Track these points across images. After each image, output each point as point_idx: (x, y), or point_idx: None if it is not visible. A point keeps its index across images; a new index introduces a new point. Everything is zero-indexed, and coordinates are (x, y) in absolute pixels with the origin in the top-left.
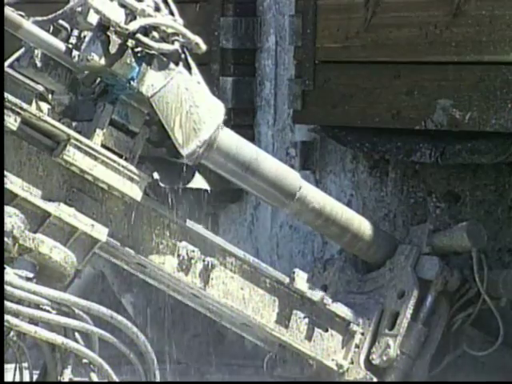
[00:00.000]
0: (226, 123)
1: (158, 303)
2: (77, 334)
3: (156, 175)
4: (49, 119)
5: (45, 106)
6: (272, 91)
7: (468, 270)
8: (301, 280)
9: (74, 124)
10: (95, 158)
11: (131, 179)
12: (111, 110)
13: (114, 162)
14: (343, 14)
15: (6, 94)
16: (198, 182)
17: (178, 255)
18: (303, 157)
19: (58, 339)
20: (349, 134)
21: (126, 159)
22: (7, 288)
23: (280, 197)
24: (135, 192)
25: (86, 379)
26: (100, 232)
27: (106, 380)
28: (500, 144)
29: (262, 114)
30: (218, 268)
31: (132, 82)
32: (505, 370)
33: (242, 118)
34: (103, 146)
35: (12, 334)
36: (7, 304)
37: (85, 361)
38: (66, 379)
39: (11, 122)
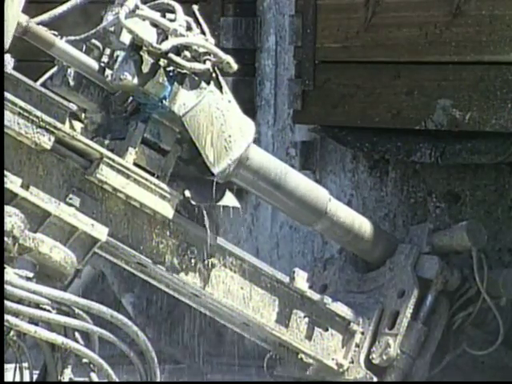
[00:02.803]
0: None
1: (157, 303)
2: (77, 334)
3: (187, 193)
4: (82, 138)
5: (78, 125)
6: (272, 91)
7: (468, 269)
8: (301, 279)
9: (106, 142)
10: (127, 177)
11: (163, 197)
12: (143, 128)
13: (146, 180)
14: (343, 14)
15: (41, 114)
16: (229, 199)
17: (178, 255)
18: (303, 157)
19: (58, 339)
20: (349, 133)
21: (157, 177)
22: (7, 287)
23: (309, 214)
24: (167, 210)
25: (86, 379)
26: (100, 231)
27: (105, 380)
28: (500, 144)
29: (262, 114)
30: (218, 267)
31: (164, 101)
32: (504, 370)
33: None
34: (135, 164)
35: (12, 333)
36: (7, 304)
37: (85, 360)
38: (66, 379)
39: (45, 140)
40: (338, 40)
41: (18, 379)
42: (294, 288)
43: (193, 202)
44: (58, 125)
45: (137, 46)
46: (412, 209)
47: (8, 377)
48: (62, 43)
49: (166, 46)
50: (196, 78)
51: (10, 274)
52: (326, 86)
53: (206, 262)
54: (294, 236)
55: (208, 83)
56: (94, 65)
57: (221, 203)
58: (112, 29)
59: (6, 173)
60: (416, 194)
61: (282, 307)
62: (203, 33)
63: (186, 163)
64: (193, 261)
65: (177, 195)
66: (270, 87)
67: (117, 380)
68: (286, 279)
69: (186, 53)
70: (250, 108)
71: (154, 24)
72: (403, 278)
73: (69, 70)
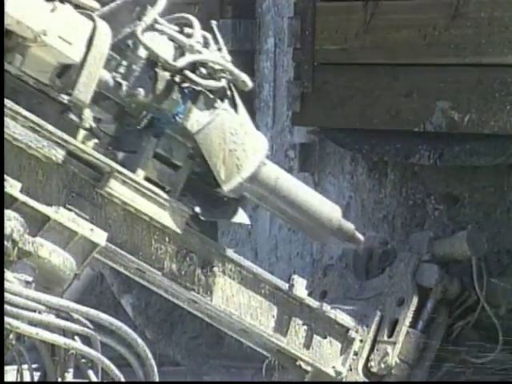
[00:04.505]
0: None
1: (157, 304)
2: (77, 338)
3: (197, 209)
4: (93, 152)
5: (91, 138)
6: (271, 93)
7: (468, 277)
8: (300, 286)
9: (119, 154)
10: (138, 191)
11: (173, 212)
12: (155, 143)
13: (156, 194)
14: (342, 16)
15: (52, 128)
16: (240, 216)
17: (177, 261)
18: (302, 159)
19: (60, 340)
20: (348, 135)
21: (168, 192)
22: (5, 294)
23: (321, 230)
24: (176, 225)
25: (86, 380)
26: (99, 236)
27: (105, 380)
28: (499, 146)
29: (261, 116)
30: (217, 274)
31: (177, 118)
32: (504, 379)
33: None
34: (146, 178)
35: (11, 336)
36: (7, 307)
37: (83, 360)
38: None
39: (56, 155)
40: (337, 42)
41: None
42: (293, 295)
43: (202, 218)
44: (69, 139)
45: (152, 61)
46: (411, 211)
47: (7, 379)
48: None
49: (181, 63)
50: (211, 96)
51: (8, 279)
52: (324, 87)
53: (204, 268)
54: (292, 238)
55: (222, 101)
56: (110, 80)
57: (232, 220)
58: (129, 42)
59: (5, 177)
60: (415, 196)
61: (281, 314)
62: (220, 49)
63: (198, 176)
64: (191, 267)
65: (187, 210)
66: (268, 89)
67: (123, 379)
68: (285, 286)
69: (202, 69)
70: (248, 110)
71: (172, 38)
72: (402, 286)
73: None
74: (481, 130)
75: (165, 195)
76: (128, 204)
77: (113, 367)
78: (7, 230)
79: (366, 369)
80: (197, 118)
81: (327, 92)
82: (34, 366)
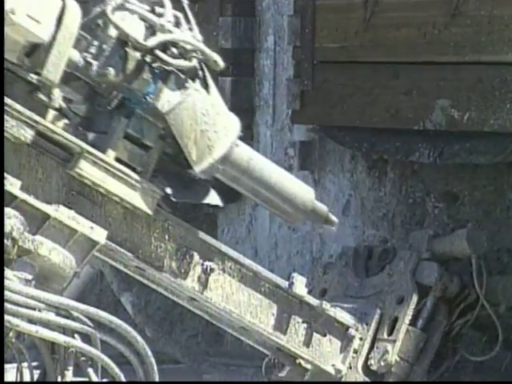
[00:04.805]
0: None
1: (156, 302)
2: (76, 336)
3: (169, 190)
4: (62, 132)
5: (61, 118)
6: (271, 91)
7: (467, 276)
8: (300, 284)
9: (89, 135)
10: (108, 172)
11: (143, 193)
12: (126, 123)
13: (127, 175)
14: (342, 14)
15: (21, 108)
16: (213, 198)
17: (177, 259)
18: (302, 157)
19: (60, 338)
20: (347, 134)
21: (139, 173)
22: (5, 292)
23: (295, 212)
24: (147, 206)
25: (86, 379)
26: (99, 234)
27: (105, 379)
28: (499, 144)
29: (261, 114)
30: (217, 272)
31: (148, 98)
32: (503, 377)
33: (240, 118)
34: (117, 159)
35: (11, 334)
36: (7, 305)
37: (83, 359)
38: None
39: (25, 134)
40: (337, 40)
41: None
42: (293, 293)
43: (174, 199)
44: (39, 119)
45: (123, 41)
46: (410, 209)
47: (7, 377)
48: None
49: (151, 42)
50: (182, 76)
51: (8, 277)
52: (324, 86)
53: (204, 266)
54: (292, 236)
55: (194, 81)
56: (79, 59)
57: (204, 201)
58: (99, 21)
59: (5, 175)
60: (414, 194)
61: (281, 312)
62: (191, 29)
63: (170, 158)
64: (191, 265)
65: (158, 191)
66: (268, 87)
67: (123, 378)
68: (285, 284)
69: (173, 49)
70: (248, 108)
71: (143, 18)
72: (402, 284)
73: None
74: (481, 128)
75: (135, 176)
76: (98, 185)
77: (113, 365)
78: (7, 228)
79: (366, 367)
80: (168, 98)
81: (327, 90)
82: (33, 364)
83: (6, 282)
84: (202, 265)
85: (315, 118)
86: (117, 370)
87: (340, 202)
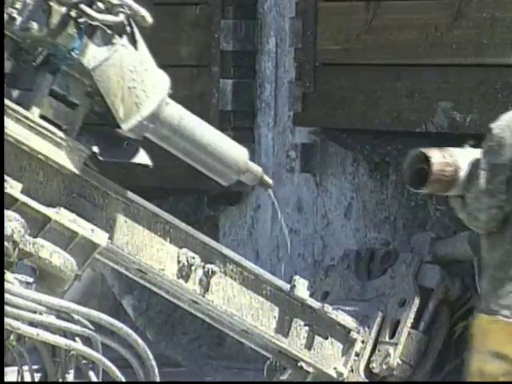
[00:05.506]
0: (226, 125)
1: (158, 305)
2: (77, 339)
3: (95, 148)
4: None
5: None
6: (272, 93)
7: (469, 278)
8: (301, 287)
9: (14, 92)
10: (32, 129)
11: (69, 151)
12: (51, 80)
13: (52, 133)
14: (344, 16)
15: None
16: (141, 157)
17: (178, 261)
18: (304, 159)
19: (61, 341)
20: (349, 136)
21: (65, 131)
22: (6, 295)
23: (228, 172)
24: (73, 164)
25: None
26: (100, 237)
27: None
28: None
29: (263, 117)
30: (218, 275)
31: (73, 53)
32: None
33: (242, 121)
34: (42, 116)
35: (11, 337)
36: (8, 308)
37: (84, 362)
38: None
39: None
40: (339, 42)
41: None
42: (295, 296)
43: (101, 158)
44: None
45: None
46: (412, 211)
47: (8, 380)
48: None
49: None
50: (108, 31)
51: (9, 281)
52: (326, 88)
53: (205, 269)
54: (294, 239)
55: (121, 37)
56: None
57: (133, 161)
58: None
59: (6, 178)
60: (416, 197)
61: (282, 315)
62: None
63: (98, 116)
64: (193, 268)
65: (85, 150)
66: (270, 90)
67: (123, 379)
68: (287, 287)
69: (99, 4)
70: (250, 110)
71: None
72: (404, 287)
73: None
74: (483, 130)
75: (61, 134)
76: (22, 143)
77: (114, 368)
78: (8, 231)
79: (368, 370)
80: (93, 54)
81: (329, 92)
82: (34, 367)
83: (7, 285)
84: (204, 267)
85: (317, 120)
86: (118, 373)
87: (342, 204)
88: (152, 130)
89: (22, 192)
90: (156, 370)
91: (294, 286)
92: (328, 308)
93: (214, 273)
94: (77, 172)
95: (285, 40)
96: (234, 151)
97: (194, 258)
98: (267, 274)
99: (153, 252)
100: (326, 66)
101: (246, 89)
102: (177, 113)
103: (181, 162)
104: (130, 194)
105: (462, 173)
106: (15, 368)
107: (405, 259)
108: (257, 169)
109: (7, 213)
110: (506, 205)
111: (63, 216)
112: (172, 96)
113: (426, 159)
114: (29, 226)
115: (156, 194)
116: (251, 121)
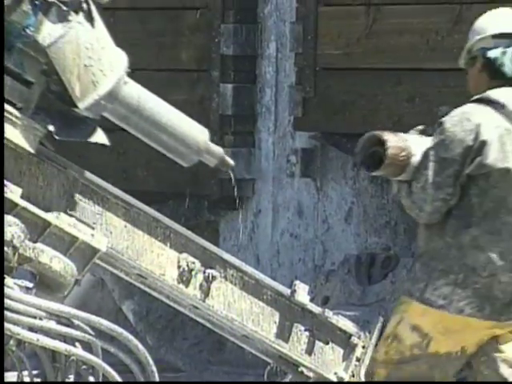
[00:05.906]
0: (226, 130)
1: (158, 311)
2: (77, 344)
3: (51, 127)
4: None
5: None
6: (273, 98)
7: None
8: (302, 292)
9: None
10: None
11: (24, 130)
12: (6, 57)
13: (7, 111)
14: (344, 21)
15: None
16: (99, 137)
17: (179, 266)
18: (304, 164)
19: (61, 346)
20: (350, 141)
21: (20, 109)
22: (6, 301)
23: (188, 152)
24: (28, 143)
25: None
26: (100, 242)
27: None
28: None
29: (263, 121)
30: (219, 280)
31: (28, 30)
32: None
33: (242, 125)
34: None
35: (11, 343)
36: (7, 313)
37: (84, 367)
38: None
39: None
40: (339, 47)
41: None
42: (295, 301)
43: (57, 137)
44: None
45: None
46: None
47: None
48: None
49: None
50: (64, 8)
51: (9, 286)
52: (326, 92)
53: (206, 274)
54: (294, 244)
55: (77, 14)
56: None
57: (90, 140)
58: None
59: (6, 182)
60: None
61: (283, 320)
62: None
63: (55, 95)
64: (193, 273)
65: (40, 129)
66: (270, 94)
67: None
68: (287, 292)
69: None
70: (250, 115)
71: None
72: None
73: None
74: None
75: (16, 112)
76: None
77: (114, 374)
78: (7, 236)
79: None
80: (49, 31)
81: (329, 97)
82: (34, 372)
83: (7, 291)
84: (204, 272)
85: (317, 124)
86: (118, 378)
87: (342, 209)
88: (110, 110)
89: (21, 197)
90: (156, 376)
91: (295, 290)
92: (329, 313)
93: (214, 278)
94: (31, 151)
95: (285, 44)
96: (195, 131)
97: (194, 263)
98: (267, 278)
99: (153, 257)
100: (326, 71)
101: (246, 93)
102: (136, 92)
103: (181, 167)
104: (130, 199)
105: (414, 159)
106: (15, 373)
107: (405, 264)
108: (218, 149)
109: (7, 218)
110: (451, 198)
111: (63, 221)
112: (172, 100)
113: (381, 142)
114: (29, 231)
115: (156, 198)
116: (251, 125)
